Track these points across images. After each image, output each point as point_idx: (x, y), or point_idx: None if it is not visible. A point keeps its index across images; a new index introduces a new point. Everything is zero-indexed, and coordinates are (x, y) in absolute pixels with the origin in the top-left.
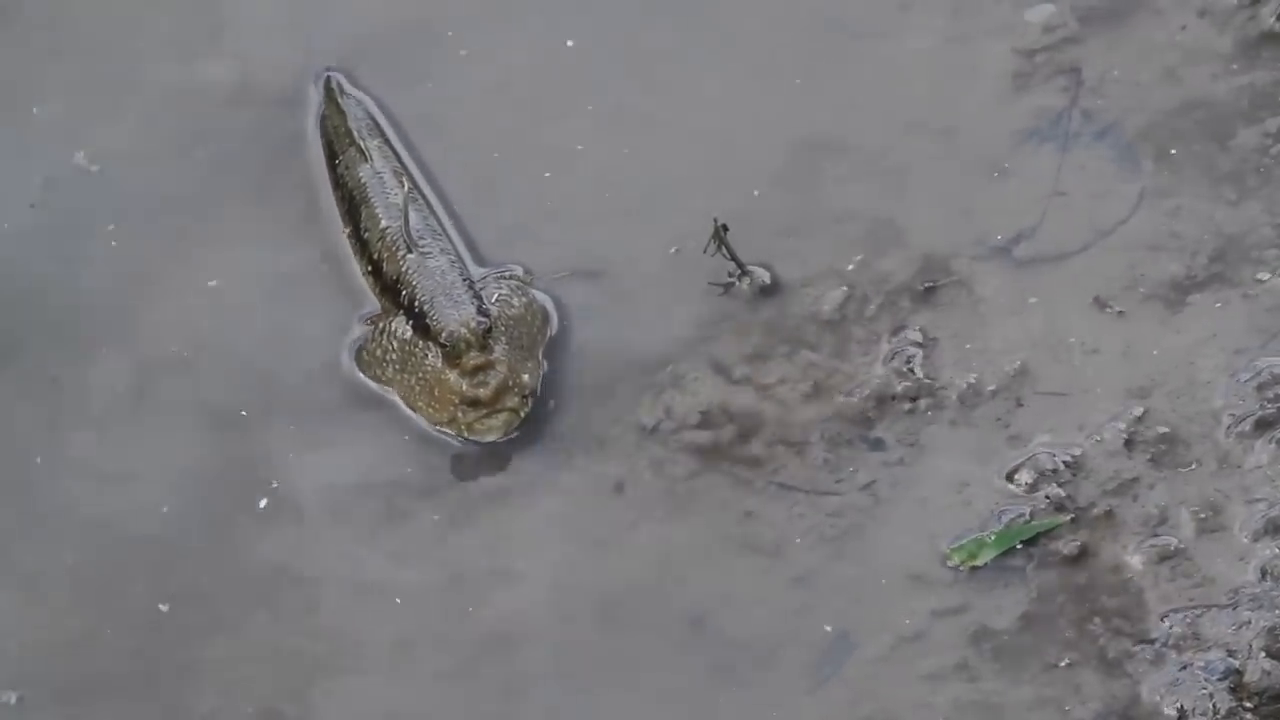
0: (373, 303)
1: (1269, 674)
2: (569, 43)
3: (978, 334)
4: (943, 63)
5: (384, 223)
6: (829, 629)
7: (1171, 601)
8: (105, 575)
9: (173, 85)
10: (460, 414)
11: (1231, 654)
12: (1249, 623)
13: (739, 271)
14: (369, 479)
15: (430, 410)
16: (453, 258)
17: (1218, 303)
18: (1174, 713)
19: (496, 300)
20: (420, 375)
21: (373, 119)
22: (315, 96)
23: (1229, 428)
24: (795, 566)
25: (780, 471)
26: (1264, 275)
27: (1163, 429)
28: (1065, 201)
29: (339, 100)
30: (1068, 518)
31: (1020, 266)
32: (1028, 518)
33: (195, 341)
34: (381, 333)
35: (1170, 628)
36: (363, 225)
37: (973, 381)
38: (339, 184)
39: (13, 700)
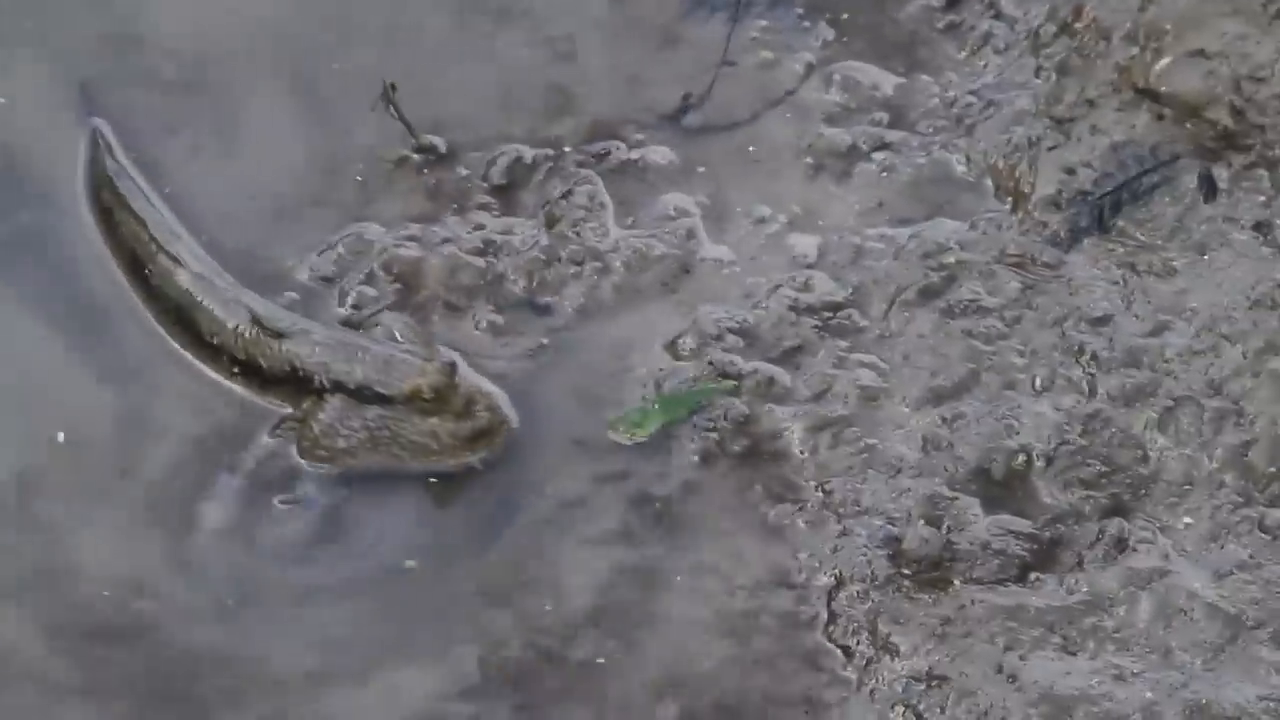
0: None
1: (927, 541)
2: None
3: (646, 201)
4: None
5: (231, 322)
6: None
7: (832, 469)
8: None
9: None
10: (467, 447)
11: (891, 522)
12: (909, 490)
13: (411, 139)
14: None
15: (437, 459)
16: (318, 323)
17: (884, 173)
18: (832, 579)
19: (400, 336)
20: (405, 439)
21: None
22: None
23: (893, 297)
24: None
25: (445, 335)
26: (930, 147)
27: (828, 298)
28: (735, 71)
29: (133, 206)
30: (731, 384)
31: (689, 135)
32: (691, 384)
33: None
34: (326, 420)
35: (830, 495)
36: (206, 331)
37: (640, 248)
38: (154, 296)
39: None
